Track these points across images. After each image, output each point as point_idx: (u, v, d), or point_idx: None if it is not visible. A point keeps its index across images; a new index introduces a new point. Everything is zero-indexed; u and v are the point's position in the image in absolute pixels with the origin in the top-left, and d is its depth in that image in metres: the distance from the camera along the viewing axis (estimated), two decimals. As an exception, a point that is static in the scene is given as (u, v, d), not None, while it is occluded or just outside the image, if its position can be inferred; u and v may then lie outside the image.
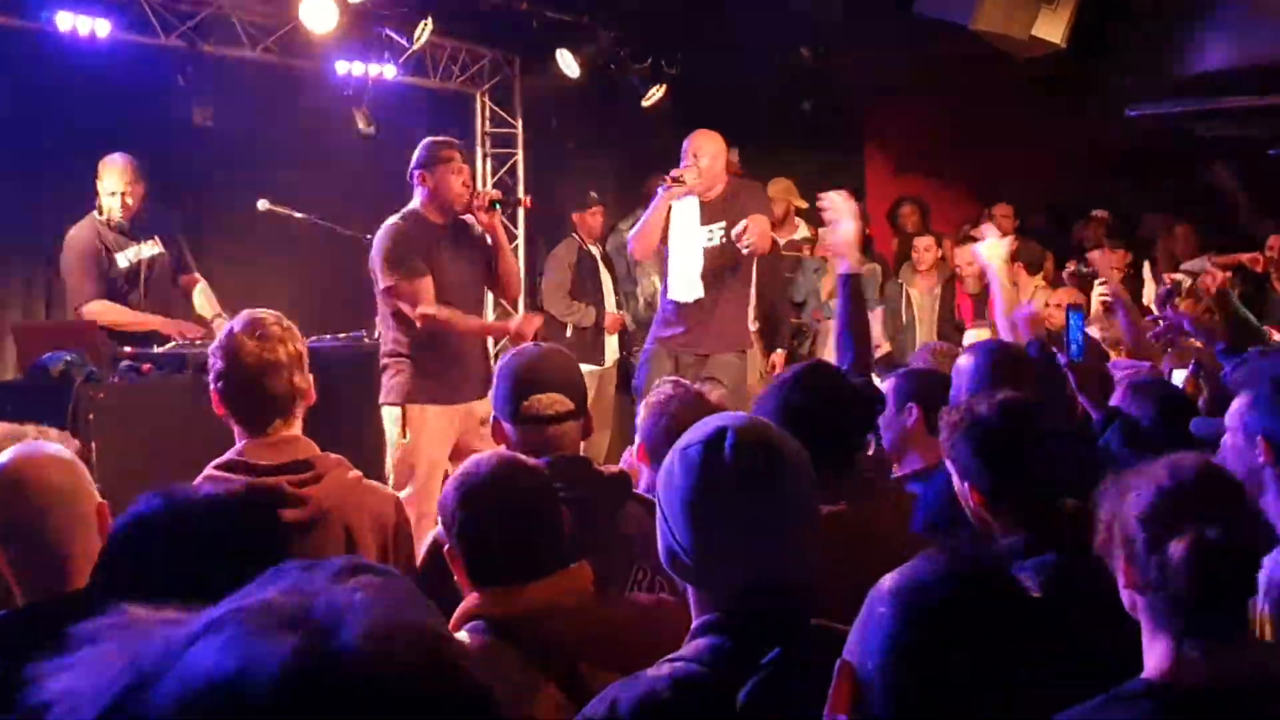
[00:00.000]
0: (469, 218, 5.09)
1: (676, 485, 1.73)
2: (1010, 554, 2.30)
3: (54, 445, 2.32)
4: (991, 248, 4.40)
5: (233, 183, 6.83)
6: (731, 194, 5.82)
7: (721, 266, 5.72)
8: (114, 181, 5.71)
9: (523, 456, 2.43)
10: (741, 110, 8.66)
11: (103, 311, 5.65)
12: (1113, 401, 3.30)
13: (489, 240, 5.12)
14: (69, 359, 4.91)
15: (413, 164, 5.02)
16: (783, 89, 8.72)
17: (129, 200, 5.72)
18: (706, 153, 5.76)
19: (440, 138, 5.14)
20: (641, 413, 3.11)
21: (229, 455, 2.79)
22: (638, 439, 3.12)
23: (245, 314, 2.88)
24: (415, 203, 5.03)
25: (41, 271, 6.69)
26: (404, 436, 4.90)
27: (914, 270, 8.08)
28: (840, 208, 3.83)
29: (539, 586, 2.17)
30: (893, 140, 10.09)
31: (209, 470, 2.76)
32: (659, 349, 5.80)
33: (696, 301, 5.72)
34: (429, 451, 4.92)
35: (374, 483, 3.01)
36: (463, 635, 2.12)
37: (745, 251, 5.51)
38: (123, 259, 5.77)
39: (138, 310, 5.77)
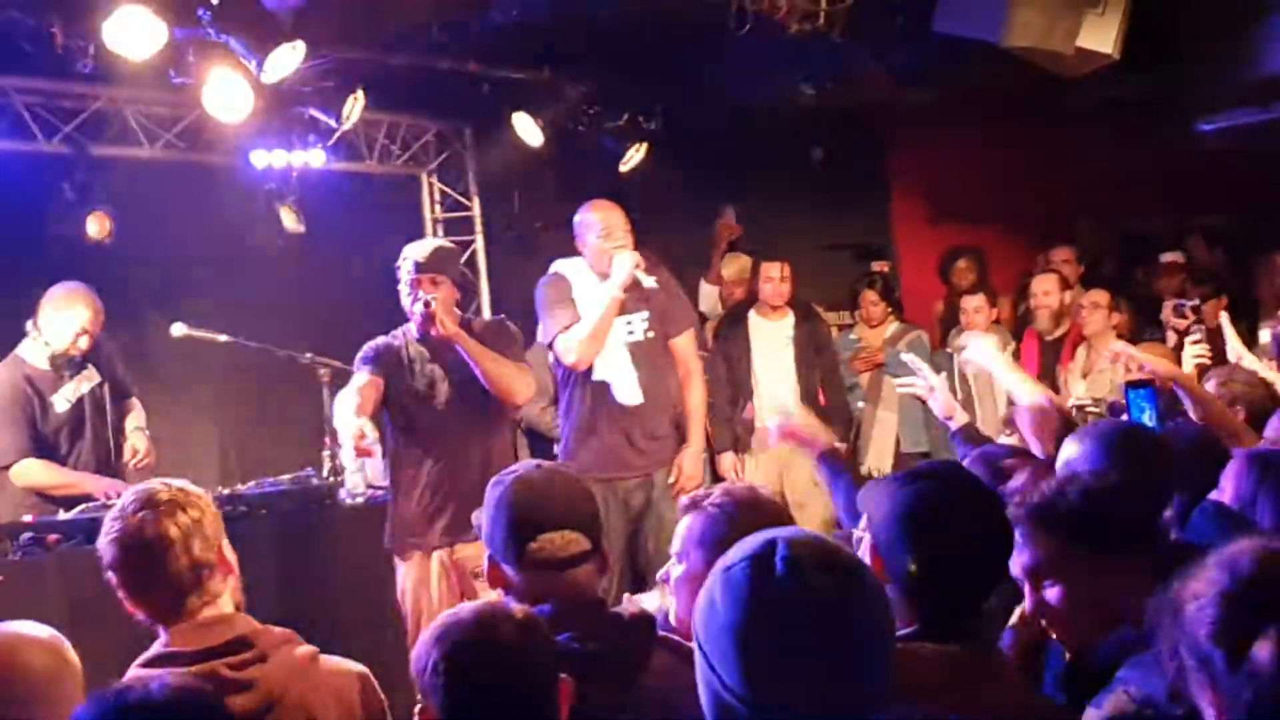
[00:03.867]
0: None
1: (720, 615, 1.71)
2: None
3: (40, 630, 2.36)
4: (980, 352, 4.52)
5: (141, 305, 6.90)
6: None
7: (652, 360, 5.98)
8: (82, 318, 5.78)
9: (512, 605, 2.44)
10: (739, 164, 8.77)
11: (30, 473, 5.72)
12: (1230, 475, 3.27)
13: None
14: (-45, 538, 4.91)
15: None
16: (786, 135, 8.82)
17: (91, 341, 5.83)
18: (621, 226, 5.94)
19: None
20: (679, 523, 3.03)
21: (155, 650, 2.78)
22: (673, 561, 3.05)
23: (131, 489, 2.92)
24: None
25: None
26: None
27: (960, 335, 8.10)
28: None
29: None
30: (923, 184, 10.18)
31: (134, 670, 2.74)
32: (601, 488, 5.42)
33: (636, 407, 5.92)
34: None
35: (334, 659, 2.99)
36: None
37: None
38: (61, 400, 5.83)
39: (75, 465, 5.86)
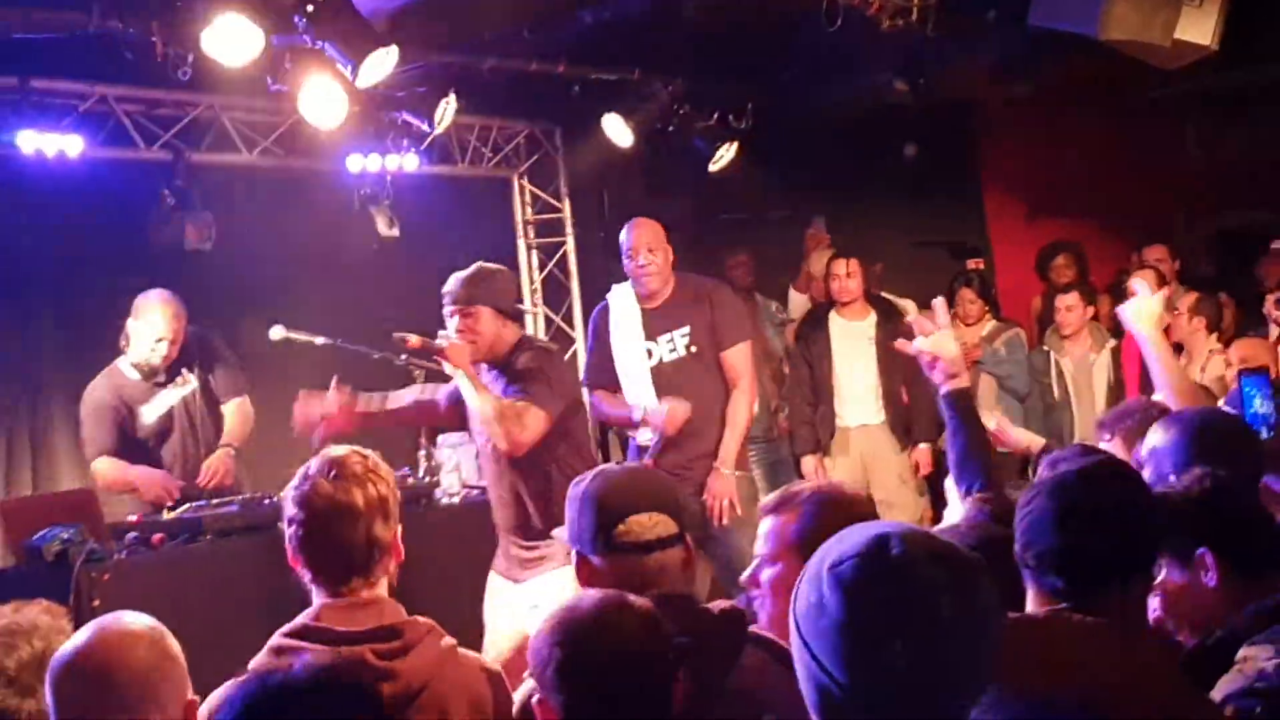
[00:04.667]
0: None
1: (830, 612, 1.70)
2: None
3: (141, 621, 2.38)
4: (1140, 307, 4.27)
5: (239, 309, 7.02)
6: (687, 294, 6.03)
7: (687, 378, 5.90)
8: (158, 326, 5.95)
9: (631, 596, 2.42)
10: (830, 162, 8.75)
11: (100, 470, 5.96)
12: None
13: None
14: (64, 537, 5.03)
15: None
16: (878, 131, 8.78)
17: (173, 347, 6.00)
18: (661, 245, 5.97)
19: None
20: (762, 524, 3.06)
21: (302, 620, 2.80)
22: (758, 562, 3.06)
23: (326, 450, 2.92)
24: None
25: (24, 434, 6.88)
26: None
27: (1059, 335, 8.02)
28: (935, 320, 3.79)
29: None
30: (1017, 180, 10.10)
31: (278, 639, 2.77)
32: None
33: (649, 446, 5.86)
34: None
35: (469, 653, 3.00)
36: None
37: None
38: (149, 412, 6.00)
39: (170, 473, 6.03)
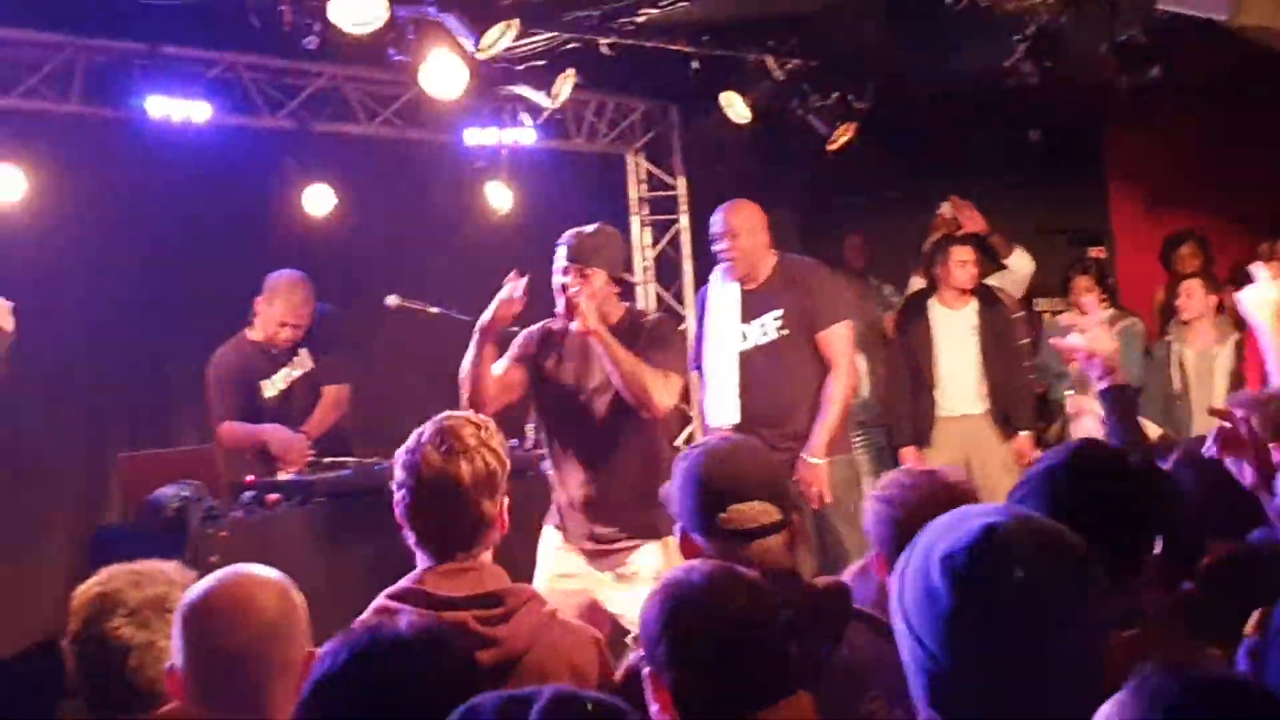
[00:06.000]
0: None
1: (940, 600, 1.70)
2: None
3: (269, 571, 2.47)
4: (1258, 295, 4.17)
5: (355, 276, 7.15)
6: (784, 275, 5.99)
7: (777, 362, 5.87)
8: (286, 310, 6.17)
9: (741, 569, 2.44)
10: (950, 144, 8.67)
11: (226, 434, 6.14)
12: None
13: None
14: (183, 494, 5.19)
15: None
16: (1000, 115, 8.68)
17: (298, 331, 6.20)
18: (746, 228, 5.93)
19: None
20: (869, 511, 3.07)
21: (405, 583, 2.85)
22: (874, 547, 3.10)
23: (439, 418, 2.94)
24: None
25: (148, 393, 7.08)
26: None
27: (1181, 323, 7.88)
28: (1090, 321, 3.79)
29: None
30: (1142, 168, 9.92)
31: (382, 600, 2.83)
32: None
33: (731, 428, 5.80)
34: None
35: (571, 620, 3.04)
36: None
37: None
38: (270, 387, 6.23)
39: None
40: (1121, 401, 3.50)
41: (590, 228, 4.99)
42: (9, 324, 4.77)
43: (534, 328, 5.11)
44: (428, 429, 2.91)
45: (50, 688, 3.01)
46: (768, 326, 5.95)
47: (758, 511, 2.80)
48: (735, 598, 2.30)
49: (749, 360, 5.94)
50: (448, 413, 2.97)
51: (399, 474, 2.91)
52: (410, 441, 2.92)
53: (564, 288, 4.78)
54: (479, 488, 2.85)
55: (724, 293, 6.04)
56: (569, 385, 4.97)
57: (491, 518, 2.89)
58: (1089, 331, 3.60)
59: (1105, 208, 9.97)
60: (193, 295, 7.05)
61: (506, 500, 2.95)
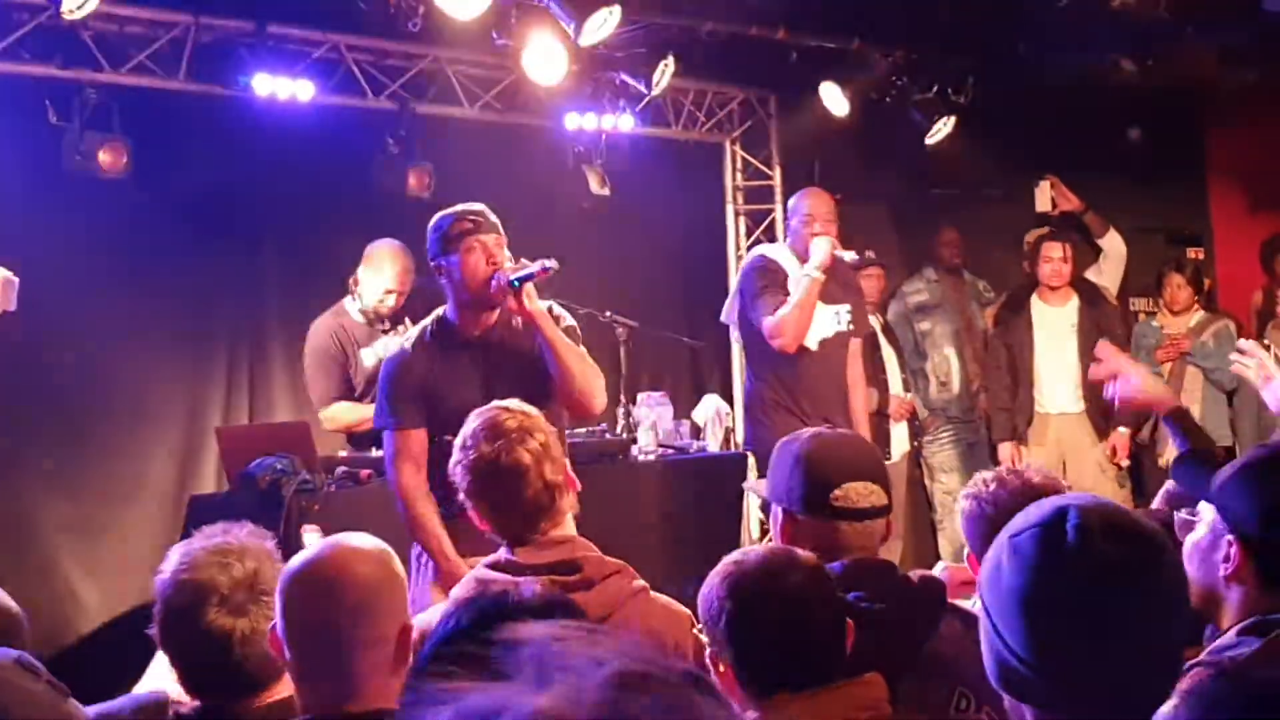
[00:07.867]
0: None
1: (1007, 582, 1.71)
2: None
3: (371, 541, 2.49)
4: None
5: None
6: (843, 276, 6.08)
7: (836, 356, 5.97)
8: (388, 278, 6.05)
9: (797, 550, 2.51)
10: (1049, 142, 8.57)
11: (336, 415, 6.06)
12: None
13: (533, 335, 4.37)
14: (278, 466, 5.28)
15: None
16: (1101, 112, 8.57)
17: (400, 299, 6.10)
18: (825, 216, 5.94)
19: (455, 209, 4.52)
20: (961, 509, 3.11)
21: (500, 555, 2.97)
22: (966, 548, 3.14)
23: (476, 416, 3.08)
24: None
25: (248, 366, 7.19)
26: None
27: (1277, 327, 7.76)
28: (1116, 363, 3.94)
29: (817, 699, 2.25)
30: (1243, 169, 9.75)
31: (480, 570, 2.95)
32: None
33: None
34: None
35: (665, 598, 3.08)
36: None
37: None
38: (370, 355, 6.06)
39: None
40: (1181, 425, 3.61)
41: (476, 205, 4.56)
42: (11, 304, 4.73)
43: (393, 362, 4.46)
44: (467, 429, 3.04)
45: (143, 655, 3.04)
46: (841, 317, 6.00)
47: (869, 492, 2.85)
48: (792, 576, 2.37)
49: (823, 344, 5.95)
50: (475, 413, 3.09)
51: (465, 479, 3.02)
52: (457, 450, 3.04)
53: (496, 264, 4.36)
54: (540, 463, 2.99)
55: (793, 270, 5.93)
56: (470, 394, 4.05)
57: (560, 483, 3.02)
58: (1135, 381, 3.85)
59: (1205, 209, 9.81)
60: (292, 272, 7.16)
61: (567, 461, 3.10)
